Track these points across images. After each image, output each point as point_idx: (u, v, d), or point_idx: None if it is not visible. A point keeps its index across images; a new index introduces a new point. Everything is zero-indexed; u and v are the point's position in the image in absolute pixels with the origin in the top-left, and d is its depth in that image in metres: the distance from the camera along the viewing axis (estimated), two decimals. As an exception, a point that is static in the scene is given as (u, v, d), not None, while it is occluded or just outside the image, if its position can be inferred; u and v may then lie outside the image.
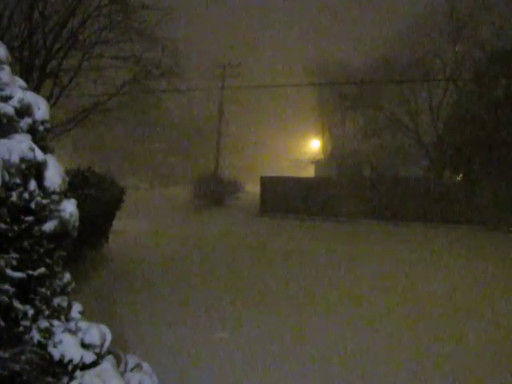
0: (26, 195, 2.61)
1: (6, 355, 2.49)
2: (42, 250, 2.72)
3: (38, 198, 2.68)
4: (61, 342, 2.67)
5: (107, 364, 2.74)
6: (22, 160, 2.57)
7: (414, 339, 5.33)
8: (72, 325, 2.83)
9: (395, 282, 8.22)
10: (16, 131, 2.72)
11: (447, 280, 8.60)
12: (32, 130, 2.83)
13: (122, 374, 2.90)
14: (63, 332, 2.73)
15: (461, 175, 22.09)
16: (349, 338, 5.33)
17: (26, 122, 2.79)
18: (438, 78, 23.12)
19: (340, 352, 4.88)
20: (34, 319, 2.67)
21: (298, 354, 4.81)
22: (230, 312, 6.15)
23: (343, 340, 5.25)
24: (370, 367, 4.55)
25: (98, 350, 2.76)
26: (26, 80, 4.40)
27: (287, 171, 36.85)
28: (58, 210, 2.80)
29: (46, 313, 2.75)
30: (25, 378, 2.50)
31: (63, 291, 2.92)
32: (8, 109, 2.67)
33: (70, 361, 2.64)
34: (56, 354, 2.64)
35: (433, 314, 6.38)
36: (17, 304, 2.57)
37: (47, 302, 2.77)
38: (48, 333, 2.68)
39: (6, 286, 2.49)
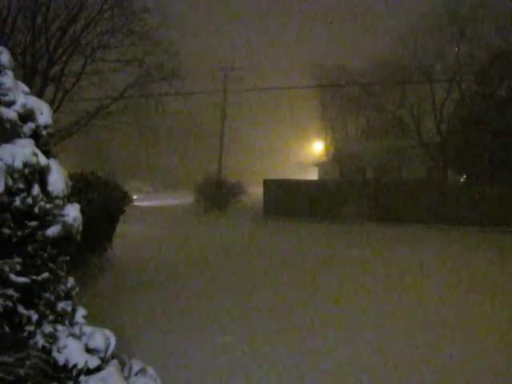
0: (30, 200, 2.62)
1: (11, 360, 2.49)
2: (45, 255, 2.72)
3: (42, 203, 2.68)
4: (65, 346, 2.67)
5: (112, 368, 2.74)
6: (26, 165, 2.58)
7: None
8: (76, 329, 2.83)
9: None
10: (19, 136, 2.72)
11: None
12: (35, 135, 2.83)
13: (127, 378, 2.89)
14: (67, 337, 2.73)
15: (464, 176, 22.05)
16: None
17: (29, 127, 2.80)
18: (440, 78, 23.08)
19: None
20: (39, 324, 2.67)
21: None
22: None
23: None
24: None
25: (102, 355, 2.76)
26: (29, 85, 4.39)
27: (290, 174, 36.86)
28: (61, 215, 2.80)
29: (50, 317, 2.75)
30: (29, 382, 2.50)
31: (67, 296, 2.92)
32: (11, 114, 2.67)
33: (75, 365, 2.64)
34: (60, 358, 2.64)
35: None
36: (21, 309, 2.57)
37: (51, 306, 2.77)
38: (52, 338, 2.68)
39: (10, 291, 2.50)
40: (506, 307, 6.65)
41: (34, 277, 2.62)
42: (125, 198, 9.64)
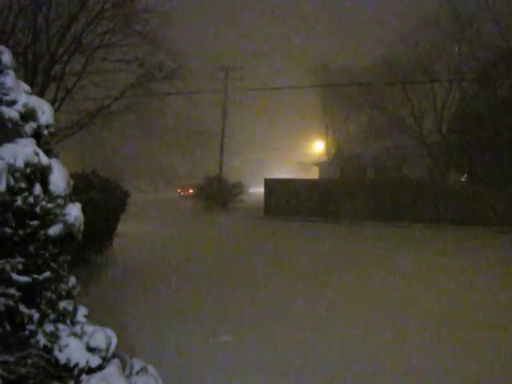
0: (31, 199, 2.62)
1: (12, 359, 2.49)
2: (47, 254, 2.72)
3: (43, 203, 2.68)
4: (66, 345, 2.67)
5: (113, 367, 2.74)
6: (27, 164, 2.58)
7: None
8: (77, 328, 2.83)
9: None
10: (21, 136, 2.72)
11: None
12: (36, 135, 2.83)
13: (128, 377, 2.90)
14: (69, 336, 2.73)
15: (465, 176, 22.05)
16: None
17: (30, 127, 2.80)
18: (441, 78, 23.06)
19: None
20: (40, 323, 2.67)
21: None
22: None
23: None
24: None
25: (103, 354, 2.76)
26: (31, 84, 4.39)
27: (291, 173, 36.89)
28: (62, 214, 2.80)
29: (52, 317, 2.75)
30: (31, 381, 2.51)
31: (68, 295, 2.92)
32: (13, 113, 2.67)
33: (76, 365, 2.64)
34: (62, 357, 2.64)
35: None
36: (22, 308, 2.57)
37: (53, 305, 2.77)
38: (54, 337, 2.68)
39: (12, 290, 2.50)
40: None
41: (35, 276, 2.62)
42: (125, 197, 9.66)
